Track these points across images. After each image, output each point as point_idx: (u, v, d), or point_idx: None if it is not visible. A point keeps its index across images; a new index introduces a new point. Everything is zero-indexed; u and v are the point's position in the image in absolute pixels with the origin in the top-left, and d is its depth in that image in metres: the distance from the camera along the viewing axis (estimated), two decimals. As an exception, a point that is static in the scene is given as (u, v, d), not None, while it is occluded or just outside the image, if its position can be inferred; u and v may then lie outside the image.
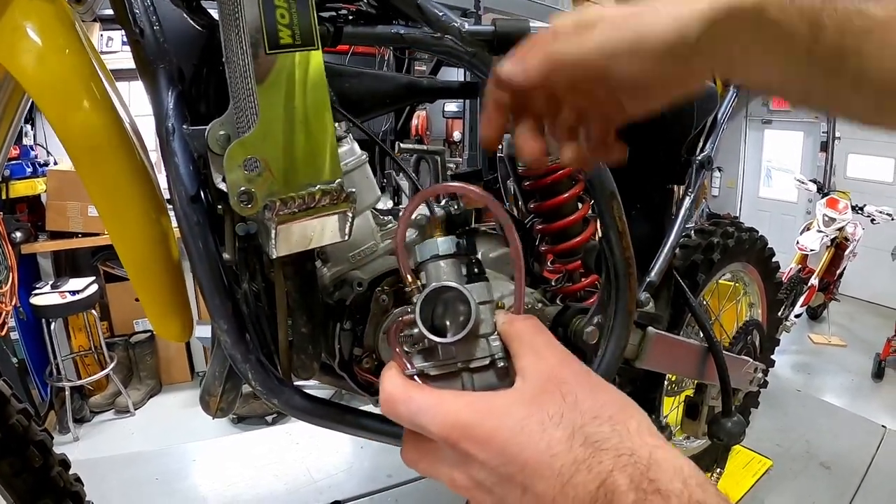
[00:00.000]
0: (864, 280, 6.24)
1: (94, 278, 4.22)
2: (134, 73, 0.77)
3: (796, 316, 4.95)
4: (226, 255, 0.77)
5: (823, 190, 5.40)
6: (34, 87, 0.74)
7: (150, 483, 1.98)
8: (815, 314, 5.85)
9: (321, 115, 0.63)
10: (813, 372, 5.08)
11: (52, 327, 3.95)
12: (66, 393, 4.01)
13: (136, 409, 4.38)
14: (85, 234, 4.19)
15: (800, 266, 5.09)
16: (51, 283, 4.09)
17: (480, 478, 0.44)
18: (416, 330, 0.51)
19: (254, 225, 0.74)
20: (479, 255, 0.60)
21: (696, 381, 1.54)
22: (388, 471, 1.91)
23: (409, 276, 0.56)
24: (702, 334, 1.33)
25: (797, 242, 5.08)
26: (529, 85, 0.53)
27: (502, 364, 0.51)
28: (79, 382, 4.22)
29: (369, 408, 0.87)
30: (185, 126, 0.73)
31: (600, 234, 1.05)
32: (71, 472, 1.15)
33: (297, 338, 0.78)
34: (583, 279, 1.13)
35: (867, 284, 6.31)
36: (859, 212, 5.11)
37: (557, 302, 1.11)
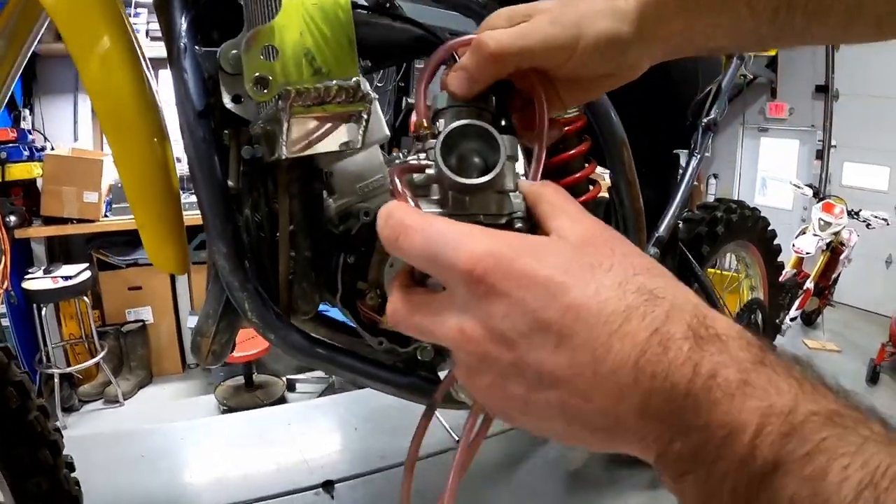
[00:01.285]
0: (859, 288, 6.24)
1: (87, 265, 4.18)
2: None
3: (791, 319, 4.94)
4: (230, 183, 0.75)
5: (819, 194, 5.41)
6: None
7: (136, 461, 1.94)
8: (809, 319, 5.83)
9: (341, 9, 0.62)
10: (808, 377, 5.07)
11: (44, 313, 3.91)
12: (56, 381, 3.96)
13: (125, 400, 4.33)
14: (80, 221, 4.15)
15: (795, 270, 5.09)
16: (43, 268, 4.05)
17: (503, 326, 0.35)
18: (428, 172, 0.45)
19: (260, 148, 0.72)
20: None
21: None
22: (380, 452, 1.87)
23: (424, 120, 0.49)
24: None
25: (793, 245, 5.08)
26: (476, 93, 0.50)
27: (520, 224, 0.44)
28: (68, 370, 4.18)
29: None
30: (197, 47, 0.72)
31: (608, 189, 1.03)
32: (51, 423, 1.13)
33: (299, 264, 0.76)
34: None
35: (862, 292, 6.31)
36: (855, 216, 5.12)
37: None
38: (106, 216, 4.34)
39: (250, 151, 0.73)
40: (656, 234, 1.12)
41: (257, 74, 0.61)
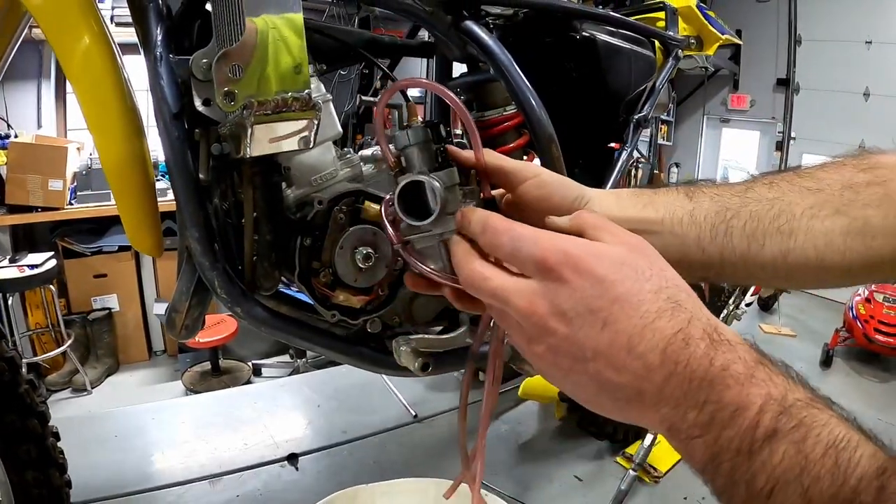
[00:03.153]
0: (814, 275, 6.44)
1: (52, 253, 4.17)
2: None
3: (747, 305, 5.09)
4: (201, 176, 0.85)
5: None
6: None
7: (109, 440, 2.01)
8: (766, 305, 6.00)
9: (297, 35, 0.73)
10: (761, 359, 5.25)
11: (10, 302, 3.91)
12: (23, 371, 3.95)
13: (92, 388, 4.34)
14: (45, 209, 4.15)
15: (750, 257, 5.26)
16: (9, 257, 4.04)
17: (566, 306, 0.45)
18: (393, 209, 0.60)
19: (227, 145, 0.83)
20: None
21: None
22: (342, 427, 1.98)
23: (391, 160, 0.64)
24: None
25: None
26: None
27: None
28: (35, 359, 4.18)
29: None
30: (171, 55, 0.82)
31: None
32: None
33: (261, 246, 0.86)
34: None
35: (816, 279, 6.51)
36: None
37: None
38: (71, 204, 4.32)
39: (218, 148, 0.83)
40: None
41: (226, 89, 0.71)
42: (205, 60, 0.78)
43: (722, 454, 0.41)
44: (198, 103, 0.81)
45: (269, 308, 0.92)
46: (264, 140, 0.71)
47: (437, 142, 0.65)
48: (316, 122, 0.72)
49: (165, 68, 0.82)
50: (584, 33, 1.35)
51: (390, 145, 0.66)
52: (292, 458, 1.79)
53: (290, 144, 0.73)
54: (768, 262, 0.61)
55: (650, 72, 1.51)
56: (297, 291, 1.04)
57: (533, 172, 0.65)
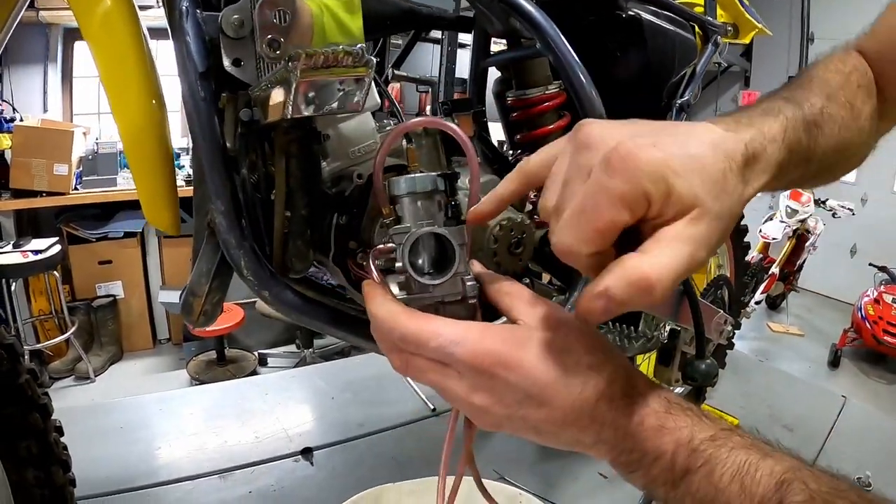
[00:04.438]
0: (823, 275, 6.39)
1: (56, 239, 4.11)
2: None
3: (756, 303, 5.05)
4: (227, 145, 0.78)
5: (788, 182, 5.52)
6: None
7: (114, 432, 1.94)
8: (774, 304, 5.98)
9: None
10: (771, 358, 5.20)
11: (13, 288, 3.85)
12: (25, 358, 3.90)
13: (96, 376, 4.29)
14: (50, 194, 4.09)
15: (761, 255, 5.21)
16: (12, 242, 3.98)
17: (503, 396, 0.51)
18: (398, 264, 0.55)
19: (257, 111, 0.75)
20: (459, 193, 0.64)
21: (668, 329, 1.57)
22: (359, 420, 1.91)
23: (385, 207, 0.62)
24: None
25: (760, 231, 5.19)
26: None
27: (472, 301, 0.57)
28: (38, 346, 4.13)
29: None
30: (199, 11, 0.75)
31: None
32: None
33: (295, 222, 0.79)
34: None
35: (826, 279, 6.47)
36: (821, 205, 5.25)
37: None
38: (76, 189, 4.28)
39: (248, 114, 0.75)
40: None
41: (270, 36, 0.64)
42: (236, 16, 0.70)
43: (654, 484, 0.50)
44: (227, 63, 0.73)
45: (299, 292, 0.85)
46: (309, 99, 0.64)
47: (445, 192, 0.61)
48: (368, 80, 0.65)
49: (192, 23, 0.74)
50: (629, 12, 1.28)
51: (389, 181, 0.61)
52: (307, 453, 1.72)
53: (337, 105, 0.66)
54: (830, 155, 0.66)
55: (692, 56, 1.44)
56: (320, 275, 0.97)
57: None
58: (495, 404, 0.51)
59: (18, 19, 0.95)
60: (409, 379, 2.10)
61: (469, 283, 0.57)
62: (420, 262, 0.57)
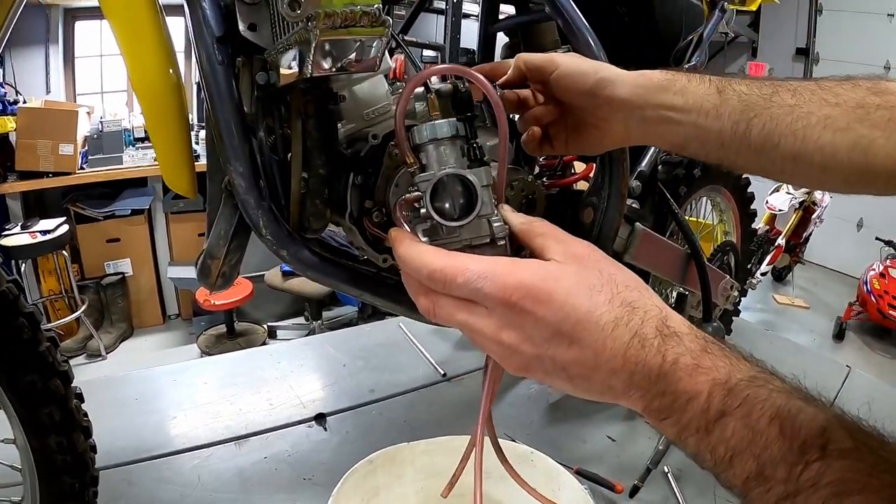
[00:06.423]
0: (829, 248, 6.38)
1: (64, 219, 4.15)
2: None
3: (762, 274, 5.07)
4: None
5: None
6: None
7: (129, 404, 1.96)
8: (780, 276, 5.99)
9: None
10: (776, 329, 5.22)
11: (23, 269, 3.89)
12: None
13: (107, 353, 4.35)
14: (56, 174, 4.11)
15: (768, 227, 5.21)
16: (20, 223, 4.01)
17: (533, 333, 0.50)
18: (422, 210, 0.56)
19: (273, 74, 0.77)
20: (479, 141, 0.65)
21: (675, 294, 1.59)
22: (370, 386, 1.94)
23: (409, 156, 0.62)
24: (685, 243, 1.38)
25: (766, 202, 5.18)
26: None
27: (501, 242, 0.57)
28: (49, 326, 4.15)
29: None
30: None
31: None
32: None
33: (313, 182, 0.81)
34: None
35: (832, 253, 6.46)
36: (827, 177, 5.22)
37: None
38: (82, 168, 4.30)
39: (264, 77, 0.78)
40: (639, 169, 1.19)
41: (290, -5, 0.65)
42: (252, -19, 0.73)
43: (686, 431, 0.48)
44: (242, 28, 0.75)
45: (316, 252, 0.87)
46: (329, 58, 0.66)
47: (467, 137, 0.61)
48: (384, 39, 0.66)
49: None
50: (637, -24, 1.29)
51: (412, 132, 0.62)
52: (320, 419, 1.76)
53: (355, 65, 0.68)
54: (778, 160, 0.68)
55: (699, 22, 1.45)
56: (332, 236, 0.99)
57: (554, 65, 0.75)
58: (524, 342, 0.51)
59: (17, 16, 0.97)
60: (419, 345, 2.14)
61: (496, 224, 0.57)
62: (446, 206, 0.57)
